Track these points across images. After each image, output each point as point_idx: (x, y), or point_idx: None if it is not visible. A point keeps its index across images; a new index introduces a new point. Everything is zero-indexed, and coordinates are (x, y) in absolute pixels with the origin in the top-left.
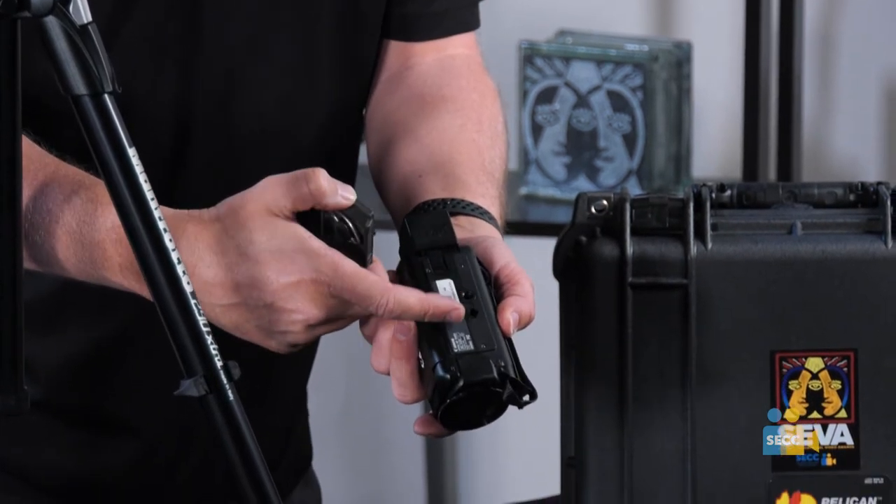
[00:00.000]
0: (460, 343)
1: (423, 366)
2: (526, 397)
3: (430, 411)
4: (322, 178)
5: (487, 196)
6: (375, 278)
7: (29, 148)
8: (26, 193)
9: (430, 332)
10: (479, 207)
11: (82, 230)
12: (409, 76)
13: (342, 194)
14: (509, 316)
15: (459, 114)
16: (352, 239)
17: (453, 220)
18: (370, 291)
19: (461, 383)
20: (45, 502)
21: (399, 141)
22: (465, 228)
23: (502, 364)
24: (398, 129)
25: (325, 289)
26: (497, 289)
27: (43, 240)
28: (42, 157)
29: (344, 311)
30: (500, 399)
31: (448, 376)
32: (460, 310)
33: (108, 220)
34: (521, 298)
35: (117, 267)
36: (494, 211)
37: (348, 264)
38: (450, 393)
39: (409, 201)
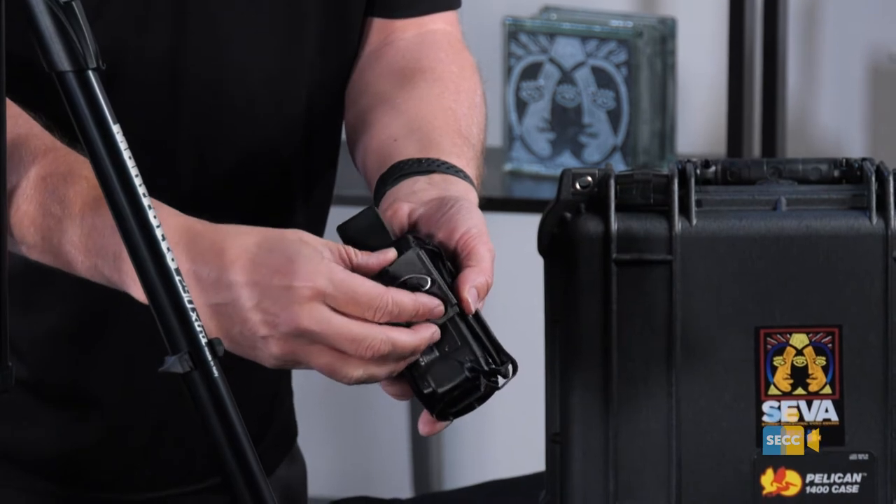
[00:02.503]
0: (426, 355)
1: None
2: (502, 381)
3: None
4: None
5: (463, 157)
6: (372, 283)
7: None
8: None
9: None
10: (453, 166)
11: (44, 234)
12: (388, 51)
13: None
14: (466, 294)
15: (437, 83)
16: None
17: (427, 179)
18: (371, 293)
19: (438, 394)
20: (25, 479)
21: (376, 110)
22: (438, 186)
23: (470, 360)
24: (375, 100)
25: (329, 300)
26: (454, 259)
27: (13, 228)
28: (14, 119)
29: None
30: (481, 391)
31: (424, 391)
32: (440, 307)
33: (75, 232)
34: (474, 270)
35: (85, 272)
36: (470, 172)
37: (350, 274)
38: (432, 406)
39: (383, 163)
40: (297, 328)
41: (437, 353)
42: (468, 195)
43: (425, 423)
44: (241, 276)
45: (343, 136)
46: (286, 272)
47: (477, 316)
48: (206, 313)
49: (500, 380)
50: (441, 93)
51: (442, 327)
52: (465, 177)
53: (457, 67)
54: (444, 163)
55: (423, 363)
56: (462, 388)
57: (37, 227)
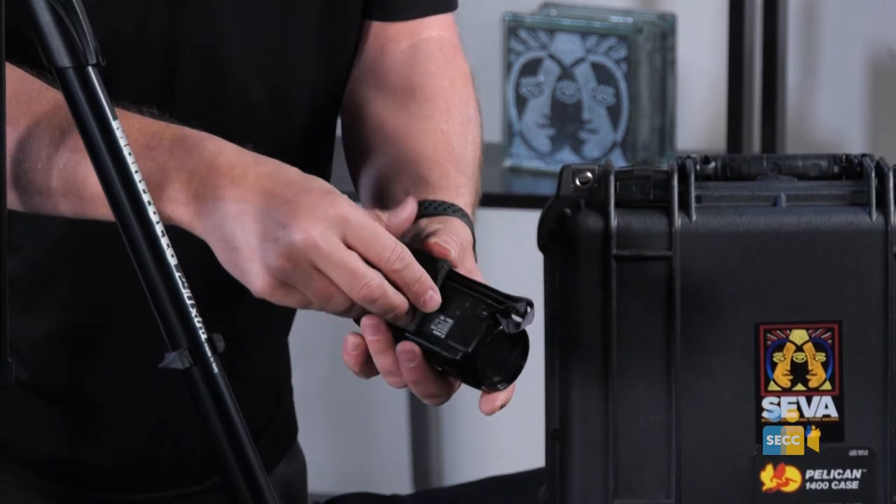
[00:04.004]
0: (442, 327)
1: (440, 370)
2: (526, 310)
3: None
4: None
5: (451, 187)
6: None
7: (27, 81)
8: (23, 124)
9: (419, 343)
10: (441, 203)
11: (68, 174)
12: (382, 65)
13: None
14: (440, 242)
15: (427, 104)
16: None
17: (415, 225)
18: (389, 237)
19: (470, 351)
20: (26, 476)
21: (369, 138)
22: (421, 229)
23: (482, 309)
24: (368, 122)
25: (349, 230)
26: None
27: (34, 175)
28: (41, 89)
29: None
30: (507, 334)
31: (458, 357)
32: (437, 295)
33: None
34: (444, 234)
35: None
36: (461, 199)
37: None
38: (473, 367)
39: (376, 206)
40: (305, 238)
41: (452, 320)
42: (450, 225)
43: (484, 402)
44: (269, 184)
45: (339, 130)
46: (317, 193)
47: (474, 284)
48: (220, 213)
49: (523, 320)
50: (430, 114)
51: (447, 295)
52: (455, 211)
53: (448, 80)
54: (431, 203)
55: (442, 335)
56: (490, 341)
57: (59, 170)
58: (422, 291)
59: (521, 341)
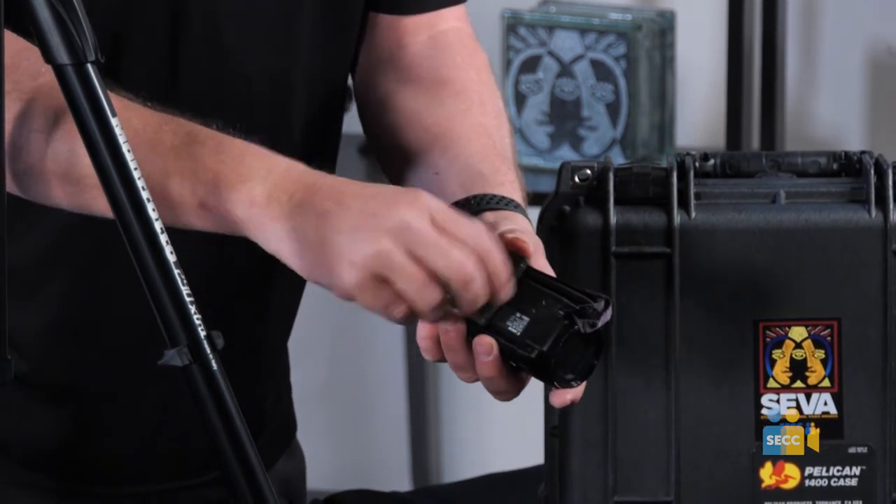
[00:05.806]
0: (518, 324)
1: (513, 366)
2: (602, 310)
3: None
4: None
5: (506, 182)
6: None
7: (22, 53)
8: (17, 102)
9: (495, 338)
10: (502, 198)
11: (64, 158)
12: (403, 57)
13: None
14: (519, 237)
15: (462, 97)
16: None
17: (480, 218)
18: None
19: (545, 353)
20: (22, 474)
21: (404, 129)
22: (491, 224)
23: (559, 307)
24: (401, 116)
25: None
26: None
27: (29, 158)
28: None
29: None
30: (582, 334)
31: (533, 356)
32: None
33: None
34: (518, 231)
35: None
36: (516, 195)
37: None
38: (548, 366)
39: None
40: (399, 222)
41: (528, 318)
42: (518, 223)
43: (554, 396)
44: (348, 186)
45: (344, 128)
46: (397, 188)
47: (548, 280)
48: (299, 216)
49: (599, 320)
50: (468, 108)
51: (520, 297)
52: (516, 206)
53: (475, 72)
54: (493, 197)
55: (518, 332)
56: (565, 341)
57: (54, 155)
58: (504, 271)
59: (596, 339)
